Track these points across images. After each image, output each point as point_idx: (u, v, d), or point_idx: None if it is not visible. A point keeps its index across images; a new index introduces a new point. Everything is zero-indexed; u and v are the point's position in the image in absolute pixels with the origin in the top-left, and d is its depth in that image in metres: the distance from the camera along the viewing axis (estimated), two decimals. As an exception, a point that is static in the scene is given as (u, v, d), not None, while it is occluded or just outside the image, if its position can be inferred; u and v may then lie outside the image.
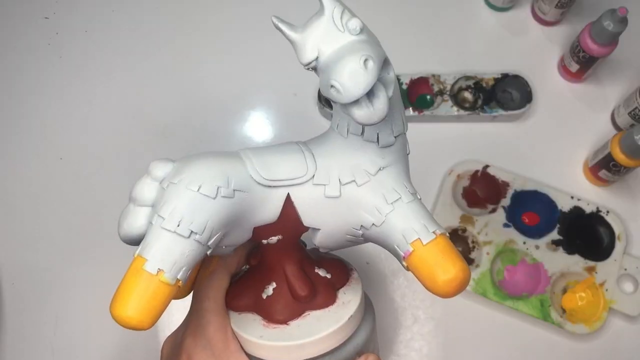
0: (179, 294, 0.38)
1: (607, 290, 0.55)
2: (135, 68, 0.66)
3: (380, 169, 0.34)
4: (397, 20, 0.68)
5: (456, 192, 0.59)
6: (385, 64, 0.30)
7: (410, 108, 0.62)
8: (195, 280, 0.39)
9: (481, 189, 0.60)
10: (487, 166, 0.59)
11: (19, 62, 0.66)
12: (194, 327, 0.36)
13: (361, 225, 0.34)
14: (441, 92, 0.63)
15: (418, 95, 0.63)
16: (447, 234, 0.33)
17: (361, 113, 0.29)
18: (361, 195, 0.33)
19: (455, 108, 0.62)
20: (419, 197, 0.34)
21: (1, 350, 0.55)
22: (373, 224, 0.33)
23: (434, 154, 0.61)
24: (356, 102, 0.28)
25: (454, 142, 0.62)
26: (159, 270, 0.29)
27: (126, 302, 0.28)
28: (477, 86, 0.63)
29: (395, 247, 0.33)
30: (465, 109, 0.62)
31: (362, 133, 0.33)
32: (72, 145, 0.63)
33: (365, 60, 0.27)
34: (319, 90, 0.62)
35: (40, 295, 0.56)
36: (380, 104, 0.29)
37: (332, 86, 0.28)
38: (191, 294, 0.39)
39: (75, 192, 0.60)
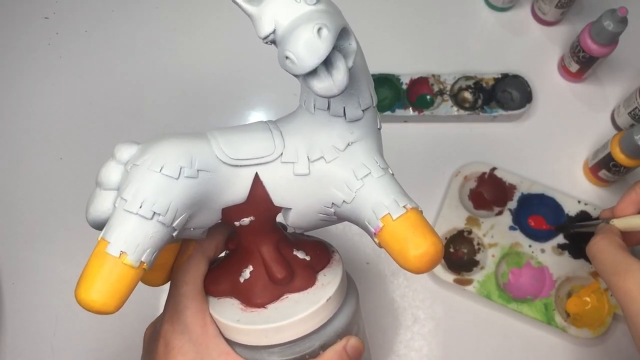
0: (158, 281, 0.38)
1: (612, 295, 0.55)
2: (135, 68, 0.66)
3: (349, 144, 0.33)
4: (397, 20, 0.68)
5: (463, 194, 0.59)
6: (345, 33, 0.29)
7: (410, 108, 0.62)
8: (173, 266, 0.38)
9: (488, 191, 0.60)
10: (494, 168, 0.59)
11: (19, 62, 0.66)
12: (171, 313, 0.36)
13: (332, 203, 0.33)
14: (441, 92, 0.63)
15: (418, 95, 0.63)
16: (420, 209, 0.32)
17: (320, 85, 0.28)
18: (331, 172, 0.33)
19: (455, 108, 0.62)
20: (390, 172, 0.33)
21: (1, 350, 0.55)
22: (344, 200, 0.33)
23: (433, 154, 0.61)
24: (315, 74, 0.27)
25: (454, 143, 0.62)
26: (122, 252, 0.28)
27: (89, 285, 0.28)
28: (477, 86, 0.63)
29: (366, 223, 0.32)
30: (465, 109, 0.62)
31: (329, 108, 0.32)
32: (72, 145, 0.63)
33: (319, 29, 0.26)
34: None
35: (40, 295, 0.56)
36: (339, 74, 0.28)
37: (286, 57, 0.27)
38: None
39: (75, 192, 0.60)
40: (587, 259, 0.56)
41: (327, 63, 0.27)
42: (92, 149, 0.62)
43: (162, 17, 0.68)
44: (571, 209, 0.58)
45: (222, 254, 0.40)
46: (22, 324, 0.56)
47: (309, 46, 0.26)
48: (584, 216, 0.58)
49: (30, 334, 0.55)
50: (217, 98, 0.64)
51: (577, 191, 0.59)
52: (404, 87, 0.62)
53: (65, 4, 0.69)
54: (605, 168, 0.57)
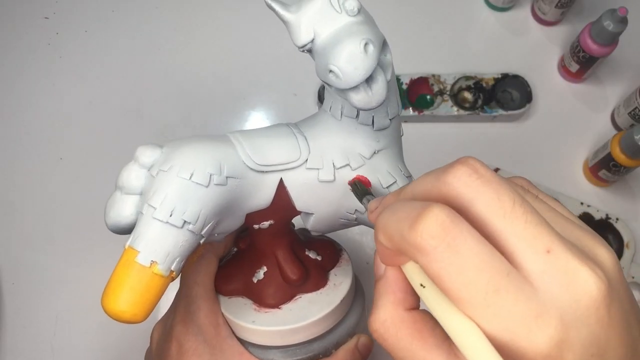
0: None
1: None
2: (135, 68, 0.66)
3: (375, 153, 0.33)
4: (397, 20, 0.68)
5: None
6: (383, 45, 0.29)
7: (410, 108, 0.62)
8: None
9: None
10: (497, 169, 0.59)
11: (19, 62, 0.66)
12: (183, 314, 0.36)
13: (355, 210, 0.33)
14: (441, 92, 0.63)
15: (418, 95, 0.63)
16: None
17: (359, 98, 0.28)
18: None
19: (455, 108, 0.62)
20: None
21: (1, 350, 0.54)
22: None
23: (433, 154, 0.61)
24: (354, 86, 0.27)
25: (454, 143, 0.62)
26: (152, 262, 0.28)
27: (118, 295, 0.27)
28: (477, 86, 0.63)
29: None
30: (465, 109, 0.62)
31: (357, 116, 0.32)
32: (72, 145, 0.63)
33: (366, 45, 0.26)
34: (319, 90, 0.62)
35: (40, 295, 0.56)
36: (379, 88, 0.28)
37: (330, 71, 0.27)
38: (177, 278, 0.38)
39: (75, 192, 0.60)
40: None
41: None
42: (92, 149, 0.62)
43: (162, 17, 0.68)
44: (574, 210, 0.58)
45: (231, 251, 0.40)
46: (22, 324, 0.55)
47: (355, 62, 0.26)
48: (586, 218, 0.58)
49: (30, 334, 0.55)
50: (217, 98, 0.64)
51: (576, 191, 0.59)
52: (404, 87, 0.62)
53: (65, 4, 0.69)
54: (605, 168, 0.57)
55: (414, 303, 0.23)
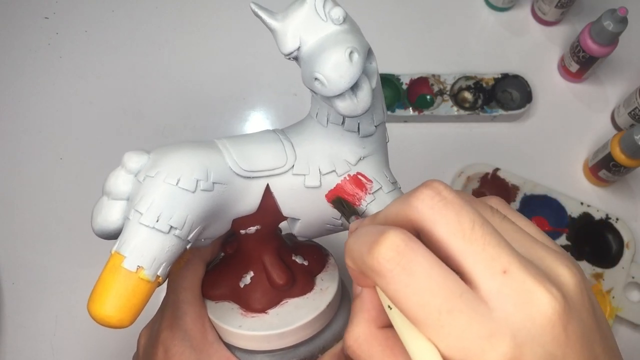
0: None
1: (613, 297, 0.54)
2: (135, 68, 0.66)
3: (360, 159, 0.33)
4: (397, 20, 0.68)
5: (466, 195, 0.59)
6: (368, 54, 0.29)
7: (410, 108, 0.62)
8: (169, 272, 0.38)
9: (490, 192, 0.60)
10: (497, 169, 0.59)
11: (19, 62, 0.66)
12: (170, 319, 0.36)
13: (341, 215, 0.33)
14: (441, 92, 0.63)
15: (418, 95, 0.63)
16: None
17: (344, 105, 0.28)
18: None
19: (455, 108, 0.62)
20: (399, 187, 0.34)
21: (1, 350, 0.54)
22: None
23: (433, 154, 0.61)
24: (340, 94, 0.28)
25: (454, 143, 0.62)
26: (139, 267, 0.28)
27: (104, 300, 0.28)
28: (477, 86, 0.63)
29: None
30: (465, 109, 0.62)
31: (343, 123, 0.32)
32: (72, 145, 0.63)
33: (351, 53, 0.27)
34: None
35: (40, 295, 0.56)
36: (364, 95, 0.28)
37: (316, 79, 0.27)
38: (165, 283, 0.38)
39: (75, 192, 0.60)
40: (589, 261, 0.56)
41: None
42: (92, 149, 0.62)
43: (162, 17, 0.68)
44: (574, 210, 0.58)
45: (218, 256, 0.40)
46: (22, 324, 0.56)
47: (340, 70, 0.27)
48: (586, 218, 0.58)
49: (30, 334, 0.55)
50: (217, 98, 0.64)
51: (577, 191, 0.59)
52: (404, 87, 0.62)
53: (65, 4, 0.69)
54: (605, 168, 0.57)
55: (387, 322, 0.23)
